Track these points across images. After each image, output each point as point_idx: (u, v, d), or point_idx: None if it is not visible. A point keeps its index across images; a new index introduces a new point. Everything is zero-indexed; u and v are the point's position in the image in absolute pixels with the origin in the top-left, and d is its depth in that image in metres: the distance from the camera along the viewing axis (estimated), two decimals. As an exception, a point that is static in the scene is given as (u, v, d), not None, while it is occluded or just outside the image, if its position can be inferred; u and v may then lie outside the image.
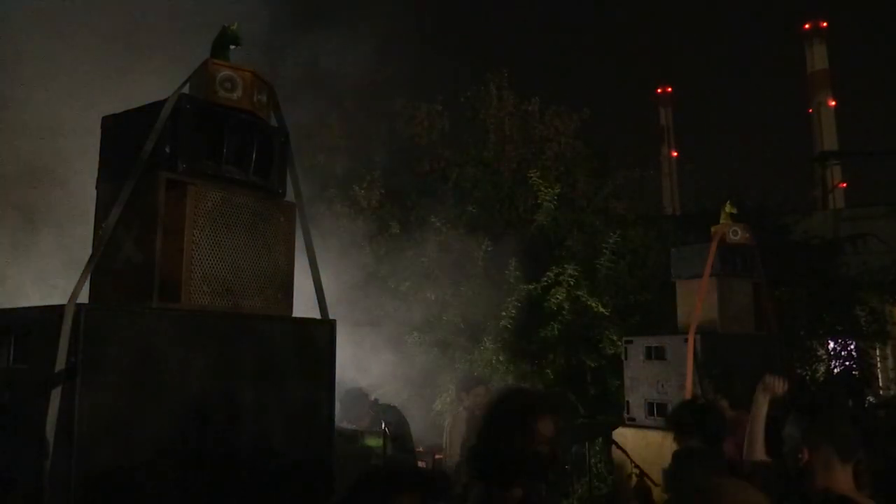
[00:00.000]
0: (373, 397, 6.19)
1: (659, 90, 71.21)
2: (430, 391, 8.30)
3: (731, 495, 1.76)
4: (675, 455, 3.58)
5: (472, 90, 10.70)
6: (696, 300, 6.22)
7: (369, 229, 8.65)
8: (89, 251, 2.77)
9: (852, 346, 11.65)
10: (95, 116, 3.07)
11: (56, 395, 2.35)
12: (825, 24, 61.89)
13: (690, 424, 3.90)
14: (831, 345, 11.52)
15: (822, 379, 10.58)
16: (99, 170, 3.00)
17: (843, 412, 2.61)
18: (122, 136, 2.95)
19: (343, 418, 5.84)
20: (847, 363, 11.46)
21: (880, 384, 12.86)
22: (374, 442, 5.71)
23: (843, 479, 2.49)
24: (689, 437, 3.87)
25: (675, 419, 4.10)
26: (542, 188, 9.45)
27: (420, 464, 6.53)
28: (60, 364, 2.36)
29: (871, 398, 10.13)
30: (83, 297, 2.59)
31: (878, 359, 13.33)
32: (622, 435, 6.13)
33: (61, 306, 2.42)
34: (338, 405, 5.86)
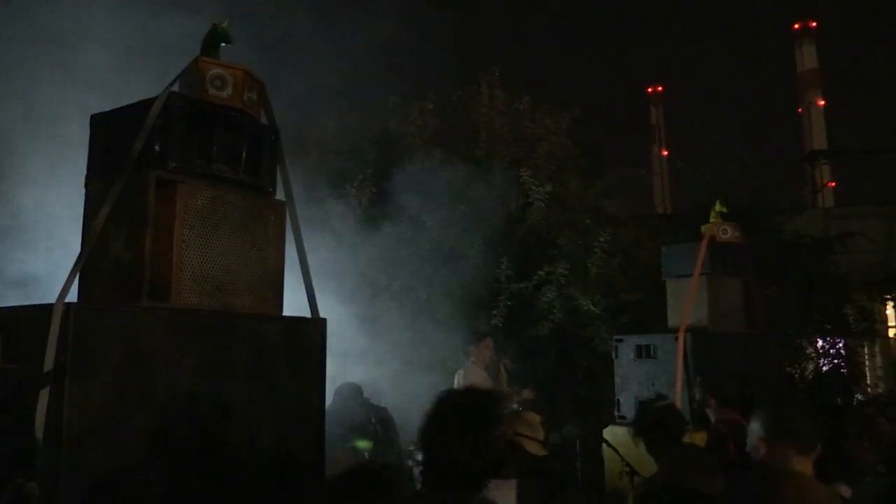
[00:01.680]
0: (368, 398, 6.20)
1: (650, 89, 71.37)
2: (421, 390, 8.29)
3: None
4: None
5: (463, 89, 10.70)
6: (687, 299, 6.24)
7: (360, 228, 8.63)
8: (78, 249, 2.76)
9: (841, 345, 11.72)
10: (84, 114, 3.06)
11: (45, 395, 2.34)
12: (815, 23, 62.18)
13: (642, 427, 3.93)
14: (820, 343, 11.60)
15: (811, 377, 10.65)
16: (88, 168, 2.98)
17: (803, 406, 2.66)
18: (111, 134, 2.93)
19: (337, 411, 5.85)
20: (836, 361, 11.53)
21: (868, 382, 12.93)
22: (362, 444, 5.70)
23: (801, 471, 2.52)
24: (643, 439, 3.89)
25: (635, 422, 4.13)
26: (534, 187, 9.46)
27: (408, 463, 6.56)
28: (49, 364, 2.35)
29: (859, 396, 10.19)
30: (72, 297, 2.58)
31: (867, 357, 13.41)
32: (613, 433, 6.14)
33: (50, 305, 2.41)
34: (335, 397, 5.88)
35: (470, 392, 2.35)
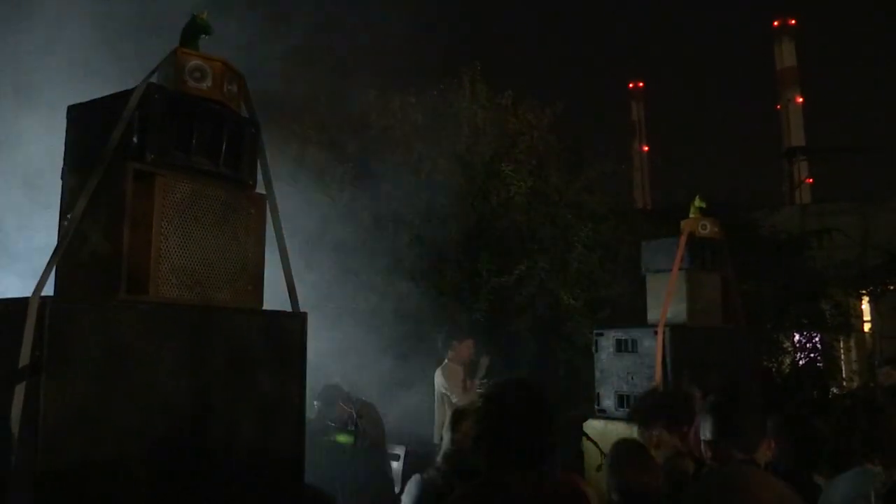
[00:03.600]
0: (349, 393, 6.19)
1: (631, 85, 71.75)
2: (404, 384, 8.30)
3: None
4: (615, 444, 3.61)
5: (445, 83, 10.68)
6: (666, 294, 6.28)
7: (340, 221, 8.61)
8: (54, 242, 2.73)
9: (817, 339, 11.89)
10: (61, 106, 3.02)
11: (20, 391, 2.31)
12: (794, 21, 62.81)
13: (652, 414, 3.96)
14: (797, 337, 11.75)
15: (787, 371, 10.79)
16: (64, 160, 2.94)
17: (744, 406, 2.68)
18: (88, 125, 2.89)
19: (321, 415, 5.84)
20: (812, 355, 11.70)
21: (843, 375, 13.14)
22: (344, 438, 5.70)
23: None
24: (652, 426, 3.92)
25: (638, 409, 4.15)
26: (515, 181, 9.48)
27: (392, 463, 6.58)
28: (24, 359, 2.32)
29: (834, 389, 10.35)
30: (48, 290, 2.55)
31: (842, 351, 13.62)
32: (592, 426, 6.19)
33: (25, 299, 2.38)
34: (316, 403, 5.87)
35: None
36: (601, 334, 6.72)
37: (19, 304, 2.38)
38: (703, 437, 2.65)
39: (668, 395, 4.18)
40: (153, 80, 2.88)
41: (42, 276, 2.53)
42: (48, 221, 2.99)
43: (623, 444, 3.45)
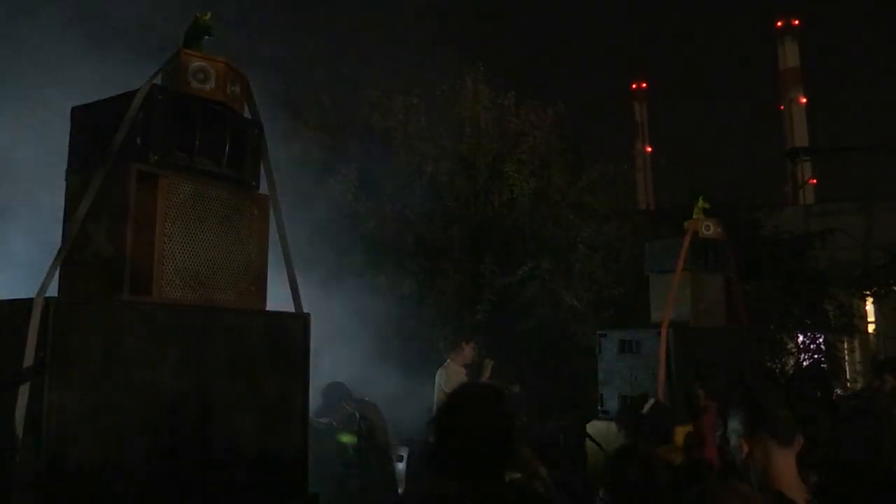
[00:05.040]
0: (353, 393, 6.19)
1: (634, 86, 71.67)
2: (407, 385, 8.30)
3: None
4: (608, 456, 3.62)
5: (447, 83, 10.68)
6: (669, 294, 6.27)
7: (344, 223, 8.61)
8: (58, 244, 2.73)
9: (821, 340, 11.85)
10: (65, 107, 3.02)
11: (24, 391, 2.32)
12: (797, 21, 62.70)
13: (627, 422, 3.96)
14: (800, 338, 11.71)
15: (791, 372, 10.76)
16: (68, 160, 2.95)
17: (777, 397, 2.65)
18: (92, 126, 2.90)
19: (323, 412, 5.84)
20: (816, 356, 11.67)
21: (847, 376, 13.10)
22: (347, 438, 5.70)
23: (783, 465, 2.50)
24: (629, 434, 3.93)
25: (618, 417, 4.16)
26: (518, 182, 9.48)
27: (396, 463, 6.58)
28: (29, 359, 2.32)
29: (838, 390, 10.32)
30: (52, 291, 2.55)
31: (846, 352, 13.58)
32: (595, 427, 6.18)
33: (29, 300, 2.38)
34: (319, 399, 5.87)
35: (487, 385, 2.38)
36: (604, 335, 6.70)
37: (23, 304, 2.39)
38: (734, 435, 2.59)
39: (643, 405, 4.09)
40: (156, 81, 2.89)
41: (46, 277, 2.53)
42: (51, 223, 3.00)
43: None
